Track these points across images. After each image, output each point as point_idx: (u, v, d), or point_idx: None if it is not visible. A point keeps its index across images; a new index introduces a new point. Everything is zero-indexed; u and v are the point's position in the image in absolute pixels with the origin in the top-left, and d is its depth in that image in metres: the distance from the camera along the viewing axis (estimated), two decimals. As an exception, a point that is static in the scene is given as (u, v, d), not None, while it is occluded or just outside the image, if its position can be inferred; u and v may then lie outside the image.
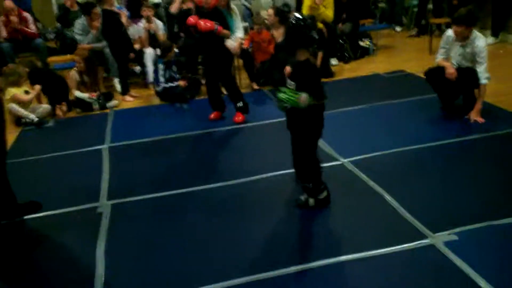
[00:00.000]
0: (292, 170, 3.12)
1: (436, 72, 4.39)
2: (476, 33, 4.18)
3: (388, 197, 3.07)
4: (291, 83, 2.75)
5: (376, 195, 3.13)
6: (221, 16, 4.41)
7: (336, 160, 3.68)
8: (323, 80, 5.85)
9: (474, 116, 4.19)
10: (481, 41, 4.15)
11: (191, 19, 4.31)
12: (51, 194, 3.43)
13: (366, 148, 3.82)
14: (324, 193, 3.02)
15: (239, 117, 4.61)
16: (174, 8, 6.27)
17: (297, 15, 2.86)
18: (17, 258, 2.78)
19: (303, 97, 2.64)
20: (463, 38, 4.17)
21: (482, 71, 4.14)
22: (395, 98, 5.02)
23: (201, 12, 4.37)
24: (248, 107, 4.67)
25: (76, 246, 2.87)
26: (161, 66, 5.59)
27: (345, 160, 3.65)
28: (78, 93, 5.43)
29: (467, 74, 4.22)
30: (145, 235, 2.91)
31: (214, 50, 4.45)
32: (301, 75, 2.73)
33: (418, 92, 5.06)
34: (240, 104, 4.61)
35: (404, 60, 6.63)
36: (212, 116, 4.74)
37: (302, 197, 3.02)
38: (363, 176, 3.38)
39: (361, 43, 7.12)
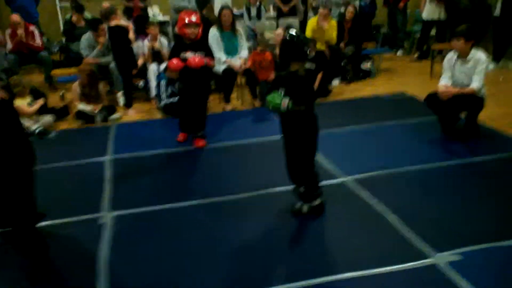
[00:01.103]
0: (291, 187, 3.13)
1: (435, 97, 4.44)
2: (476, 51, 4.29)
3: (389, 216, 3.07)
4: (281, 89, 2.93)
5: (377, 213, 3.13)
6: (206, 45, 4.36)
7: (336, 177, 3.69)
8: (322, 100, 5.99)
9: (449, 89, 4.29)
10: (482, 54, 4.27)
11: (174, 63, 4.12)
12: (53, 204, 3.40)
13: (367, 167, 3.84)
14: (318, 200, 3.09)
15: (199, 143, 4.49)
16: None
17: (291, 31, 3.06)
18: (18, 266, 2.79)
19: (284, 102, 2.84)
20: (464, 54, 4.27)
21: (477, 79, 4.21)
22: (395, 120, 5.06)
23: (184, 44, 4.21)
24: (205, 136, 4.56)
25: (77, 256, 2.86)
26: (163, 82, 5.63)
27: (345, 178, 3.66)
28: (81, 106, 5.46)
29: (470, 98, 4.27)
30: (146, 247, 2.90)
31: (200, 79, 4.32)
32: (289, 83, 2.94)
33: (419, 114, 5.11)
34: (202, 132, 4.53)
35: (405, 83, 6.70)
36: (181, 138, 4.63)
37: (296, 205, 3.10)
38: (364, 194, 3.38)
39: (363, 66, 7.21)
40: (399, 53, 8.81)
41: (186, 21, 4.10)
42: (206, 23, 6.00)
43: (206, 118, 4.54)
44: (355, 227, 3.01)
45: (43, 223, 3.13)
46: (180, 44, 4.23)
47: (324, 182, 3.58)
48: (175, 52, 4.22)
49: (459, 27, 4.33)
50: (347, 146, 4.38)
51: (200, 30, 4.17)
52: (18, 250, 2.91)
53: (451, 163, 3.91)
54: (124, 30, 5.59)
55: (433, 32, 8.24)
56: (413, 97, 5.94)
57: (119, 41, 5.54)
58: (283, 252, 2.80)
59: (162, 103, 5.63)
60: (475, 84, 4.21)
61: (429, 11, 7.92)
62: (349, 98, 6.17)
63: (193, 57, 4.10)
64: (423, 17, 8.08)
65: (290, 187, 3.37)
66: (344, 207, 3.26)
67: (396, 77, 7.21)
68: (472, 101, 4.28)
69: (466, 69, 4.29)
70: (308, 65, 3.04)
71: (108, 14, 5.50)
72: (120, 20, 5.66)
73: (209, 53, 4.28)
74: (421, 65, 7.90)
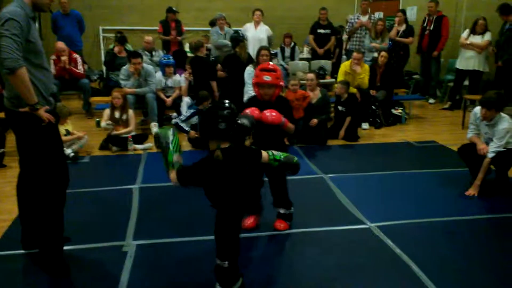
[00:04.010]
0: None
1: (469, 148, 4.40)
2: (501, 115, 4.21)
3: (415, 268, 3.00)
4: None
5: (403, 264, 3.07)
6: (286, 105, 3.49)
7: (363, 223, 3.66)
8: (351, 143, 5.98)
9: (471, 191, 4.26)
10: (504, 124, 4.16)
11: (247, 112, 3.21)
12: (79, 228, 3.48)
13: (394, 214, 3.80)
14: (239, 283, 2.60)
15: (281, 224, 3.59)
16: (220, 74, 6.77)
17: (220, 103, 2.53)
18: (37, 287, 2.83)
19: (178, 157, 2.46)
20: (489, 119, 4.23)
21: (493, 146, 4.18)
22: (425, 168, 5.01)
23: (258, 101, 3.43)
24: (292, 216, 3.65)
25: (97, 283, 2.88)
26: (185, 109, 5.95)
27: (372, 225, 3.62)
28: (103, 123, 5.70)
29: (501, 154, 4.21)
30: (166, 279, 2.91)
31: (272, 143, 3.24)
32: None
33: (449, 164, 5.05)
34: (286, 211, 3.61)
35: (435, 132, 6.66)
36: (249, 223, 3.60)
37: None
38: (390, 243, 3.33)
39: (394, 111, 7.22)
40: (431, 101, 8.79)
41: (258, 80, 3.36)
42: (236, 60, 6.22)
43: (287, 194, 3.60)
44: (379, 276, 2.95)
45: (68, 247, 3.18)
46: (255, 102, 3.45)
47: (348, 227, 3.59)
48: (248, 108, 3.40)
49: (487, 94, 4.25)
50: (374, 192, 4.35)
51: (277, 91, 3.40)
52: (44, 272, 2.97)
53: (479, 216, 3.83)
54: (206, 61, 6.40)
55: (466, 82, 8.22)
56: (444, 146, 5.89)
57: (200, 70, 6.32)
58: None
59: (176, 120, 5.81)
60: (491, 151, 4.17)
61: (464, 61, 7.92)
62: (378, 143, 6.17)
63: (270, 110, 3.29)
64: (457, 66, 8.09)
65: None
66: (367, 254, 3.21)
67: (427, 125, 7.17)
68: (502, 157, 4.21)
69: (491, 130, 4.27)
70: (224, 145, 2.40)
71: (198, 46, 6.41)
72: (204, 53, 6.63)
73: (288, 115, 3.42)
74: (453, 114, 7.86)
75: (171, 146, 2.45)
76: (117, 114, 5.76)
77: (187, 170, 2.49)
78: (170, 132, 2.50)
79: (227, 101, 2.49)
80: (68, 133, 5.44)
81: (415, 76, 9.31)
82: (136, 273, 2.95)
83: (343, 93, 6.37)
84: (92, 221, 3.71)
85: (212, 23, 8.51)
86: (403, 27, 8.36)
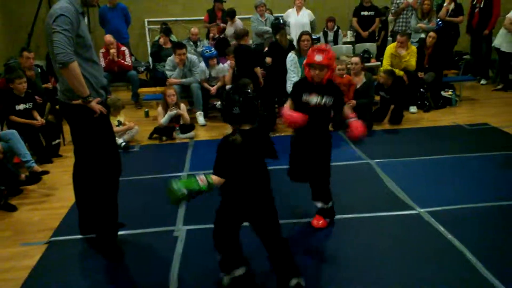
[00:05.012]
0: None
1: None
2: None
3: (469, 255, 2.92)
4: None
5: (456, 251, 2.99)
6: (337, 90, 3.28)
7: (412, 209, 3.58)
8: (396, 127, 5.84)
9: None
10: None
11: (289, 115, 3.16)
12: (132, 214, 3.62)
13: (445, 199, 3.70)
14: (240, 271, 2.62)
15: (319, 221, 3.44)
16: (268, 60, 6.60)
17: (236, 87, 2.52)
18: (100, 269, 2.99)
19: (201, 177, 2.43)
20: None
21: None
22: (477, 151, 4.83)
23: (308, 84, 3.24)
24: (333, 212, 3.49)
25: (151, 266, 2.99)
26: None
27: (422, 210, 3.55)
28: (163, 120, 5.80)
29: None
30: (217, 262, 2.98)
31: (318, 132, 3.32)
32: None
33: (503, 147, 4.85)
34: (323, 205, 3.42)
35: (488, 114, 6.38)
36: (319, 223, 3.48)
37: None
38: (441, 229, 3.25)
39: (444, 93, 6.98)
40: (483, 82, 8.42)
41: (309, 60, 3.19)
42: (278, 48, 6.18)
43: (328, 187, 3.40)
44: (430, 262, 2.89)
45: (122, 232, 3.33)
46: (305, 83, 3.29)
47: (397, 213, 3.54)
48: (296, 92, 3.29)
49: None
50: (423, 177, 4.24)
51: (329, 73, 3.19)
52: (100, 255, 3.12)
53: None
54: (249, 50, 6.25)
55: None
56: (497, 128, 5.64)
57: (244, 58, 6.17)
58: (351, 281, 2.76)
59: None
60: None
61: (507, 44, 7.51)
62: (427, 126, 5.99)
63: (356, 123, 3.19)
64: (499, 47, 7.69)
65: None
66: (418, 240, 3.15)
67: (479, 107, 6.89)
68: None
69: None
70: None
71: (241, 35, 6.22)
72: (249, 42, 6.46)
73: (339, 98, 3.26)
74: (507, 95, 7.51)
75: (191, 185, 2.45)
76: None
77: (220, 163, 2.47)
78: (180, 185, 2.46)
79: (244, 85, 2.50)
80: (120, 124, 5.64)
81: (465, 57, 8.94)
82: (187, 256, 3.05)
83: (388, 83, 6.23)
84: (143, 207, 3.85)
85: (229, 13, 8.34)
86: (452, 6, 8.02)
